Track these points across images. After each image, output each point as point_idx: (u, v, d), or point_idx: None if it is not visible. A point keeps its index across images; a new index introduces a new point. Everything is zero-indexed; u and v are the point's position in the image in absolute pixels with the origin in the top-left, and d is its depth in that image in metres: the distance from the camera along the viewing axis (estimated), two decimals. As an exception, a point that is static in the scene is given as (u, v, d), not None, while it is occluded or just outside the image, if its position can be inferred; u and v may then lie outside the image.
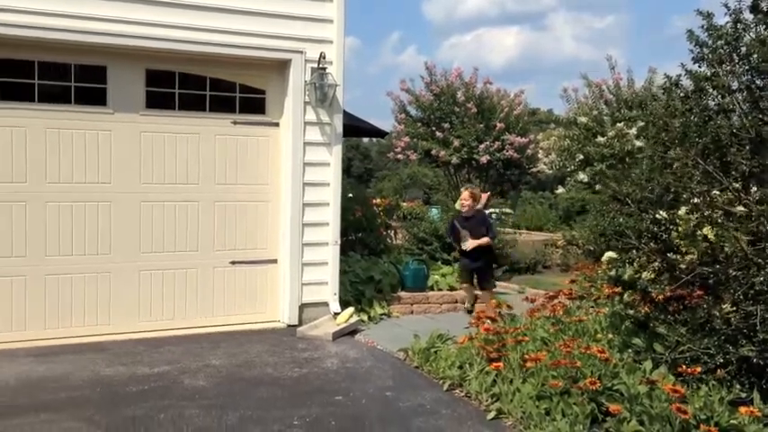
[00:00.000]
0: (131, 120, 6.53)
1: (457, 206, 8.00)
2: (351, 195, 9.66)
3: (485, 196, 15.04)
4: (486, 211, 15.56)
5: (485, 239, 7.45)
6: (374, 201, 10.73)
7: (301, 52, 6.91)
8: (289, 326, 7.04)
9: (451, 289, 8.52)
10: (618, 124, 14.86)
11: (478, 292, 7.88)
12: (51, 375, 5.34)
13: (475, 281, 7.76)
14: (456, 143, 15.80)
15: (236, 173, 7.02)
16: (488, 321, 5.71)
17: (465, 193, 7.57)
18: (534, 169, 17.64)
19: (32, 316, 6.23)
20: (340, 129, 7.20)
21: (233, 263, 7.02)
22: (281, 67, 7.00)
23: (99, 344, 6.19)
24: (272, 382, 5.35)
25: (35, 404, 4.69)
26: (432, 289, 8.48)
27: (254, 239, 7.13)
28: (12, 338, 6.08)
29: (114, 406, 4.69)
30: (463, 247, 7.48)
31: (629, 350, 4.97)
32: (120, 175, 6.53)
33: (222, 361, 5.85)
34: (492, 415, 4.63)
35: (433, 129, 16.31)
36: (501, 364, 4.98)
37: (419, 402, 4.93)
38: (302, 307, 7.15)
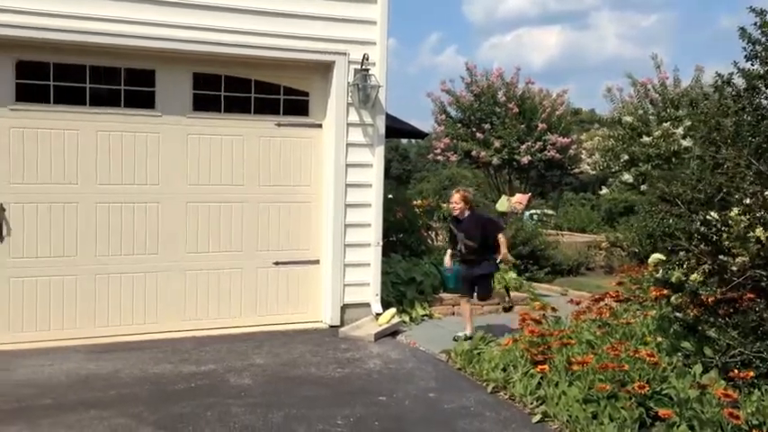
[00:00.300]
0: (178, 122, 6.65)
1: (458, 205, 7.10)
2: (391, 197, 9.67)
3: (525, 197, 14.97)
4: (527, 213, 15.49)
5: (501, 237, 6.71)
6: (414, 202, 10.71)
7: (345, 54, 6.95)
8: (331, 326, 7.08)
9: (493, 291, 8.45)
10: (664, 124, 14.60)
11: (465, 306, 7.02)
12: (101, 373, 5.46)
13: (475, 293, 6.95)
14: (497, 144, 15.72)
15: (280, 174, 7.09)
16: (532, 323, 5.66)
17: (455, 196, 6.72)
18: (576, 170, 17.44)
19: (83, 314, 6.39)
20: (382, 130, 7.22)
21: (276, 263, 7.09)
22: (325, 68, 7.05)
23: (146, 342, 6.31)
24: (315, 381, 5.39)
25: (85, 401, 4.80)
26: (474, 290, 8.43)
27: (296, 240, 7.19)
28: (63, 336, 6.24)
29: (162, 403, 4.78)
30: (457, 249, 6.76)
31: (678, 354, 4.87)
32: (168, 176, 6.66)
33: (266, 360, 5.92)
34: (537, 418, 4.58)
35: (474, 129, 16.25)
36: (546, 366, 4.93)
37: (463, 404, 4.91)
38: (344, 307, 7.18)
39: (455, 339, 6.46)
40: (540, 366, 4.96)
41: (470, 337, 6.45)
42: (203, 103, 6.76)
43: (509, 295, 7.56)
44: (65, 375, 5.36)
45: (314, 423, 4.47)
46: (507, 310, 7.36)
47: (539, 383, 4.89)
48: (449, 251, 6.95)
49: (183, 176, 6.73)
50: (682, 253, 4.92)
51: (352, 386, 5.30)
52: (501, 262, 6.81)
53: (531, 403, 4.78)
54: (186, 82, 6.66)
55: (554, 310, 6.27)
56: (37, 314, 6.23)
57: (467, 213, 6.68)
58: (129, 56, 6.37)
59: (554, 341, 5.24)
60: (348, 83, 6.98)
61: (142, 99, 6.53)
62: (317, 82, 7.11)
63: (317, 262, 7.24)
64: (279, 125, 7.04)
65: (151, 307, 6.64)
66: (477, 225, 6.68)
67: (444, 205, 10.20)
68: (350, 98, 7.01)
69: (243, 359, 5.92)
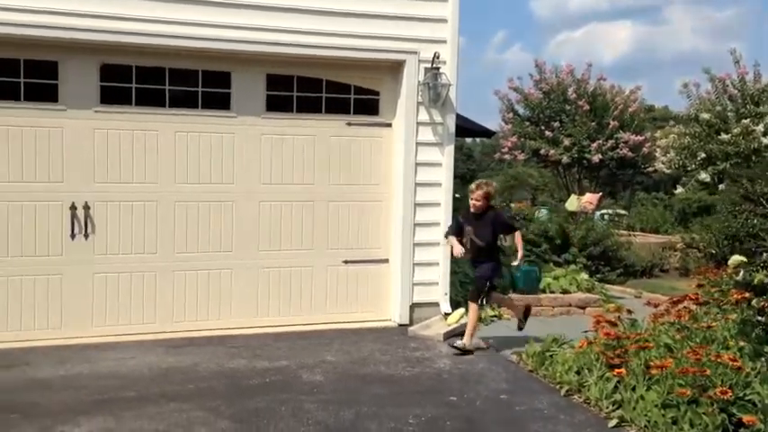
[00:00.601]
0: (253, 123, 6.79)
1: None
2: (458, 196, 9.62)
3: (596, 197, 14.63)
4: (598, 213, 15.14)
5: (517, 236, 6.32)
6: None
7: (416, 53, 6.95)
8: (400, 325, 7.10)
9: (564, 292, 8.33)
10: (743, 121, 14.04)
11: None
12: (179, 366, 5.63)
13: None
14: (566, 142, 15.43)
15: (350, 173, 7.15)
16: (607, 326, 5.53)
17: (478, 192, 6.13)
18: (650, 168, 16.95)
19: (162, 309, 6.60)
20: (452, 129, 7.19)
21: (346, 262, 7.15)
22: (395, 68, 7.07)
23: (221, 338, 6.47)
24: (385, 379, 5.42)
25: (165, 393, 4.96)
26: (543, 292, 8.32)
27: (366, 239, 7.24)
28: (144, 330, 6.47)
29: (238, 397, 4.89)
30: (464, 240, 6.25)
31: (762, 359, 4.68)
32: (242, 176, 6.80)
33: (337, 357, 5.98)
34: (614, 423, 4.48)
35: (542, 128, 16.00)
36: (623, 370, 4.81)
37: (536, 407, 4.85)
38: (413, 306, 7.19)
39: (454, 348, 6.08)
40: (616, 370, 4.84)
41: (469, 350, 6.08)
42: (276, 104, 6.88)
43: (527, 314, 6.67)
44: (146, 368, 5.55)
45: (385, 421, 4.50)
46: (520, 329, 6.67)
47: (615, 387, 4.78)
48: (453, 238, 6.31)
49: (257, 176, 6.86)
50: (766, 254, 4.72)
51: (422, 385, 5.30)
52: (519, 263, 6.39)
53: (607, 407, 4.68)
54: (260, 83, 6.79)
55: (629, 312, 6.11)
56: (119, 309, 6.48)
57: (483, 211, 6.20)
58: (206, 58, 6.55)
59: (631, 344, 5.11)
60: (418, 82, 6.98)
61: (218, 100, 6.69)
62: (388, 81, 7.14)
63: (386, 261, 7.28)
64: (349, 124, 7.10)
65: (225, 303, 6.80)
66: (491, 225, 6.19)
67: (514, 205, 10.10)
68: (420, 97, 7.01)
69: (314, 356, 5.99)
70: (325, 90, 7.03)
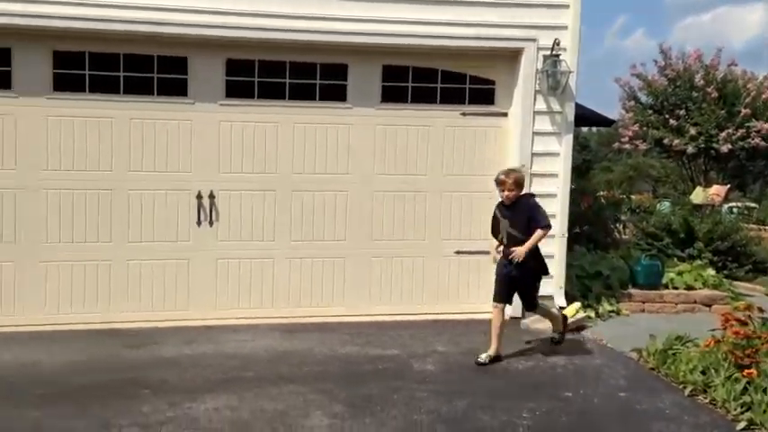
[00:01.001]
0: (368, 114, 6.87)
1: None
2: (574, 187, 9.35)
3: (723, 189, 13.77)
4: (725, 206, 14.25)
5: (539, 232, 5.48)
6: (600, 193, 10.28)
7: (534, 40, 6.80)
8: (512, 318, 6.97)
9: (689, 288, 7.90)
10: None
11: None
12: (294, 350, 5.81)
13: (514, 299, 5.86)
14: (692, 131, 14.60)
15: (463, 164, 7.10)
16: (737, 324, 5.20)
17: (508, 182, 5.52)
18: (786, 159, 15.75)
19: (278, 294, 6.83)
20: (571, 117, 6.98)
21: (458, 252, 7.12)
22: (513, 56, 6.94)
23: (333, 324, 6.62)
24: (497, 372, 5.36)
25: (283, 375, 5.13)
26: (666, 287, 7.94)
27: (479, 230, 7.14)
28: (262, 314, 6.72)
29: (351, 383, 4.99)
30: (499, 237, 5.74)
31: None
32: (357, 166, 6.91)
33: (447, 348, 5.98)
34: (742, 425, 4.23)
35: (666, 116, 15.20)
36: (753, 371, 4.52)
37: (657, 406, 4.64)
38: (526, 300, 7.06)
39: (477, 363, 5.48)
40: (746, 371, 4.57)
41: (495, 358, 5.54)
42: (391, 95, 6.93)
43: (566, 326, 6.17)
44: (264, 351, 5.77)
45: (498, 413, 4.45)
46: (557, 342, 6.08)
47: (744, 389, 4.50)
48: (494, 243, 5.86)
49: (371, 166, 6.95)
50: None
51: (536, 379, 5.20)
52: (510, 255, 5.51)
53: (735, 409, 4.42)
54: (376, 74, 6.86)
55: (761, 310, 5.73)
56: (240, 293, 6.77)
57: (516, 199, 5.61)
58: (324, 51, 6.68)
59: (762, 344, 4.79)
60: (536, 70, 6.82)
61: (335, 92, 6.83)
62: (504, 70, 7.02)
63: (499, 252, 7.18)
64: (464, 114, 7.05)
65: (338, 290, 6.94)
66: (525, 212, 5.61)
67: (634, 197, 9.70)
68: (538, 85, 6.85)
69: (425, 346, 6.02)
70: (440, 80, 7.00)
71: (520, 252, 5.43)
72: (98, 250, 6.48)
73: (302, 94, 6.78)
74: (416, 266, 7.10)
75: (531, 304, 5.84)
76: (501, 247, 5.71)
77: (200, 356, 5.56)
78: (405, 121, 6.96)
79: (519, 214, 5.56)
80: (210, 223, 6.68)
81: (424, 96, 6.99)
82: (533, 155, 6.93)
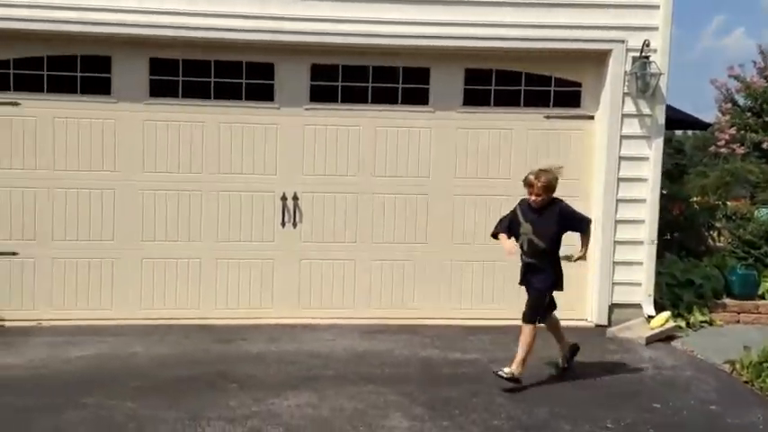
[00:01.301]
0: (450, 117, 6.88)
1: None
2: (665, 192, 9.03)
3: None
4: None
5: (588, 235, 5.15)
6: (694, 199, 9.86)
7: (623, 42, 6.65)
8: (597, 325, 6.82)
9: (788, 299, 7.49)
10: None
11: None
12: (375, 351, 5.86)
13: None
14: (794, 135, 13.83)
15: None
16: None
17: (539, 185, 4.92)
18: None
19: (359, 296, 6.92)
20: (662, 120, 6.76)
21: None
22: (600, 57, 6.80)
23: (412, 327, 6.63)
24: (580, 381, 5.24)
25: (362, 375, 5.19)
26: (762, 298, 7.56)
27: (566, 234, 7.02)
28: (341, 315, 6.83)
29: (430, 385, 4.99)
30: (519, 242, 5.10)
31: None
32: (437, 170, 6.92)
33: (530, 355, 5.87)
34: None
35: (766, 119, 14.47)
36: None
37: (751, 421, 4.43)
38: (612, 307, 6.88)
39: (499, 375, 4.90)
40: None
41: (516, 379, 4.89)
42: (473, 98, 6.91)
43: (574, 353, 5.48)
44: (344, 350, 5.86)
45: (580, 422, 4.36)
46: (561, 368, 5.37)
47: None
48: (503, 236, 5.18)
49: (452, 170, 6.94)
50: None
51: (621, 389, 5.05)
52: (578, 259, 5.28)
53: (839, 431, 4.16)
54: (458, 78, 6.85)
55: None
56: (322, 293, 6.89)
57: (545, 204, 5.02)
58: (407, 56, 6.74)
59: None
60: (625, 71, 6.65)
61: (417, 96, 6.86)
62: (591, 72, 6.88)
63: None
64: (548, 117, 6.94)
65: (419, 293, 6.97)
66: (557, 220, 4.99)
67: (730, 203, 9.25)
68: (626, 88, 6.67)
69: (506, 351, 5.91)
70: (524, 83, 6.92)
71: (584, 254, 5.26)
72: (189, 249, 6.75)
73: (384, 97, 6.85)
74: (498, 271, 7.01)
75: (526, 314, 5.07)
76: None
77: (284, 354, 5.70)
78: (487, 124, 6.92)
79: (547, 222, 4.96)
80: (294, 224, 6.83)
81: (507, 99, 6.94)
82: (621, 158, 6.76)
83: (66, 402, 4.44)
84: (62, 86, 6.52)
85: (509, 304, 6.99)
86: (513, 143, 6.95)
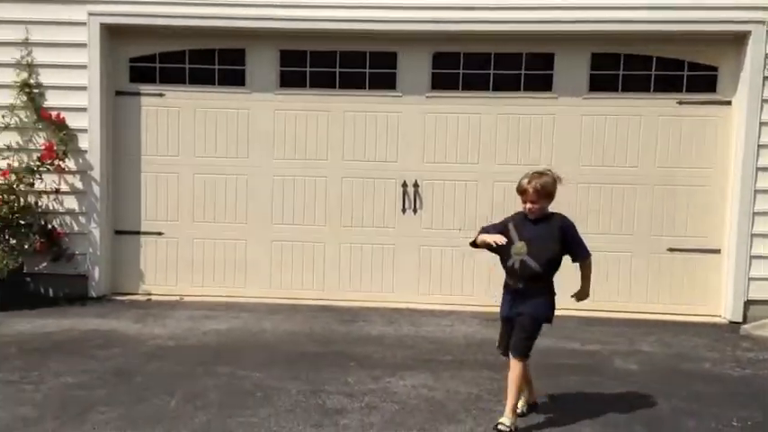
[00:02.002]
0: (574, 103, 6.75)
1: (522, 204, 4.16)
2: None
3: None
4: None
5: (589, 263, 4.15)
6: None
7: (762, 22, 6.26)
8: (731, 322, 6.49)
9: None
10: None
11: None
12: (492, 339, 5.68)
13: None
14: None
15: (678, 155, 6.73)
16: None
17: (532, 187, 4.01)
18: None
19: (479, 284, 6.95)
20: (809, 106, 6.31)
21: (671, 250, 6.75)
22: (738, 39, 6.43)
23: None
24: (708, 377, 5.02)
25: (480, 361, 5.24)
26: None
27: (694, 226, 6.74)
28: (461, 302, 6.91)
29: (547, 374, 4.93)
30: (508, 264, 4.06)
31: None
32: (560, 157, 6.78)
33: (654, 348, 5.71)
34: None
35: None
36: None
37: None
38: (747, 303, 6.53)
39: (499, 430, 3.93)
40: None
41: (510, 429, 3.92)
42: (599, 84, 6.73)
43: (533, 408, 4.33)
44: (462, 337, 5.93)
45: (705, 419, 4.19)
46: (519, 415, 4.14)
47: None
48: (485, 235, 4.12)
49: (576, 157, 6.81)
50: None
51: (753, 388, 4.80)
52: (578, 297, 4.29)
53: None
54: (584, 63, 6.71)
55: None
56: (441, 279, 6.99)
57: (543, 216, 4.06)
58: (531, 41, 6.68)
59: None
60: (765, 54, 6.24)
61: (540, 82, 6.78)
62: (727, 55, 6.52)
63: (717, 251, 6.70)
64: (680, 103, 6.65)
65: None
66: (559, 237, 4.00)
67: None
68: (767, 71, 6.26)
69: (629, 344, 5.80)
70: (654, 67, 6.66)
71: (586, 289, 4.21)
72: (314, 232, 7.06)
73: (506, 84, 6.82)
74: (623, 262, 6.85)
75: (518, 347, 4.06)
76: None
77: (402, 336, 5.85)
78: (614, 110, 6.74)
79: (545, 239, 3.98)
80: (414, 211, 6.97)
81: (635, 84, 6.72)
82: (759, 147, 6.36)
83: (204, 371, 4.82)
84: (201, 78, 7.00)
85: (635, 297, 6.86)
86: (643, 130, 6.72)
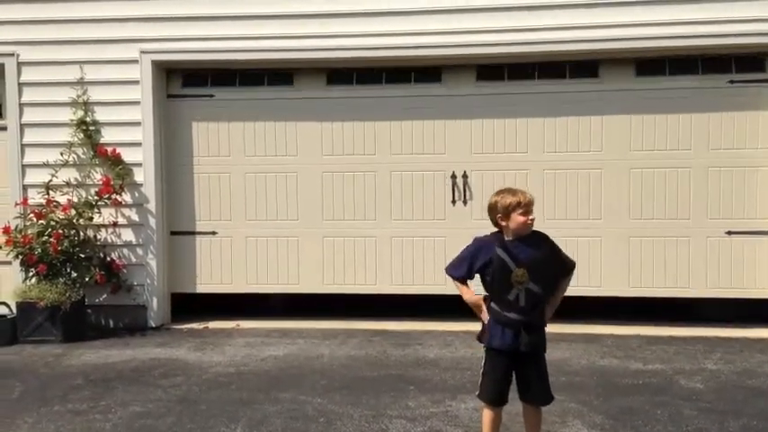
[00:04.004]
0: (623, 87, 6.83)
1: (515, 222, 3.48)
2: None
3: None
4: None
5: (569, 278, 3.63)
6: None
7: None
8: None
9: None
10: None
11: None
12: (552, 359, 5.68)
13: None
14: None
15: (733, 137, 6.70)
16: None
17: (531, 197, 3.51)
18: None
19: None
20: None
21: (729, 233, 6.74)
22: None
23: (589, 335, 6.51)
24: (780, 394, 4.87)
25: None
26: None
27: (754, 207, 6.70)
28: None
29: (610, 395, 4.87)
30: (507, 297, 3.45)
31: None
32: (610, 142, 6.82)
33: (719, 366, 5.57)
34: None
35: None
36: None
37: None
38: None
39: None
40: None
41: None
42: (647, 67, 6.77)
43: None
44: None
45: (779, 438, 4.07)
46: None
47: None
48: (469, 291, 3.63)
49: (627, 142, 6.84)
50: None
51: (826, 405, 4.64)
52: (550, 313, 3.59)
53: None
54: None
55: None
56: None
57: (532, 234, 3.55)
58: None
59: None
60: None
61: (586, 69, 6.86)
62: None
63: (776, 233, 6.65)
64: (731, 82, 6.65)
65: (594, 269, 6.87)
66: (548, 255, 3.52)
67: None
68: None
69: (692, 363, 5.67)
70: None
71: (550, 313, 3.58)
72: (365, 227, 7.15)
73: (552, 73, 6.89)
74: (681, 248, 6.78)
75: (548, 393, 3.60)
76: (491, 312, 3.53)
77: (459, 359, 5.81)
78: (661, 93, 6.73)
79: (542, 260, 3.47)
80: (464, 202, 6.98)
81: (683, 65, 6.73)
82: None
83: (265, 397, 4.86)
84: (251, 80, 7.22)
85: (694, 284, 6.80)
86: (694, 111, 6.72)
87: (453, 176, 7.00)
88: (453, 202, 7.02)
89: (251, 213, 7.25)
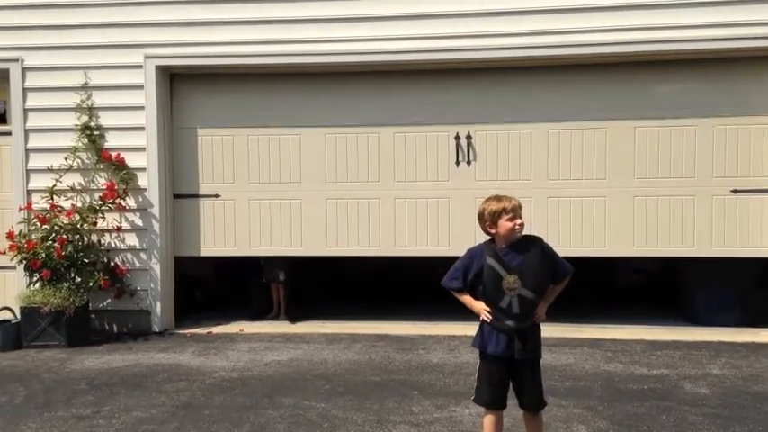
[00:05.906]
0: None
1: (503, 228, 3.47)
2: None
3: None
4: None
5: (566, 281, 3.62)
6: None
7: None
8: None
9: None
10: None
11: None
12: (557, 365, 5.76)
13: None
14: None
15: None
16: None
17: (511, 205, 3.47)
18: None
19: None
20: None
21: (734, 191, 6.77)
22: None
23: (594, 340, 6.49)
24: (788, 400, 4.85)
25: (544, 388, 5.11)
26: None
27: (760, 166, 6.70)
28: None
29: (615, 400, 4.85)
30: (500, 305, 3.46)
31: None
32: (620, 107, 6.87)
33: (724, 371, 5.54)
34: None
35: None
36: None
37: None
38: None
39: None
40: None
41: None
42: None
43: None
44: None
45: (786, 444, 4.04)
46: None
47: None
48: (468, 297, 3.61)
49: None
50: None
51: (834, 410, 4.60)
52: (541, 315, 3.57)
53: None
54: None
55: None
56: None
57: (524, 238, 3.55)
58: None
59: None
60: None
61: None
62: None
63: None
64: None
65: (599, 232, 6.90)
66: (540, 259, 3.49)
67: None
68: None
69: (698, 368, 5.64)
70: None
71: (542, 311, 3.55)
72: (368, 189, 7.15)
73: None
74: (687, 207, 6.78)
75: (541, 399, 3.65)
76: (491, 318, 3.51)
77: (462, 364, 5.79)
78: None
79: (534, 265, 3.47)
80: (468, 163, 7.00)
81: None
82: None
83: (269, 402, 4.86)
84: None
85: (699, 243, 6.78)
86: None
87: (457, 137, 6.98)
88: (457, 163, 7.00)
89: (254, 177, 7.26)
